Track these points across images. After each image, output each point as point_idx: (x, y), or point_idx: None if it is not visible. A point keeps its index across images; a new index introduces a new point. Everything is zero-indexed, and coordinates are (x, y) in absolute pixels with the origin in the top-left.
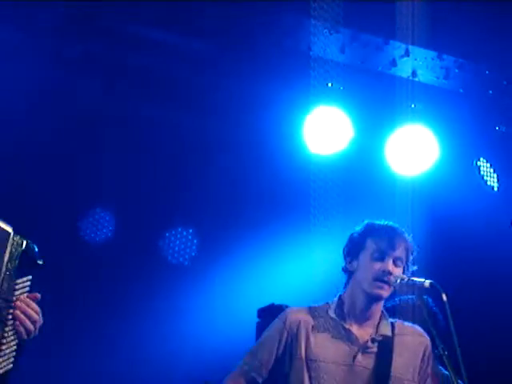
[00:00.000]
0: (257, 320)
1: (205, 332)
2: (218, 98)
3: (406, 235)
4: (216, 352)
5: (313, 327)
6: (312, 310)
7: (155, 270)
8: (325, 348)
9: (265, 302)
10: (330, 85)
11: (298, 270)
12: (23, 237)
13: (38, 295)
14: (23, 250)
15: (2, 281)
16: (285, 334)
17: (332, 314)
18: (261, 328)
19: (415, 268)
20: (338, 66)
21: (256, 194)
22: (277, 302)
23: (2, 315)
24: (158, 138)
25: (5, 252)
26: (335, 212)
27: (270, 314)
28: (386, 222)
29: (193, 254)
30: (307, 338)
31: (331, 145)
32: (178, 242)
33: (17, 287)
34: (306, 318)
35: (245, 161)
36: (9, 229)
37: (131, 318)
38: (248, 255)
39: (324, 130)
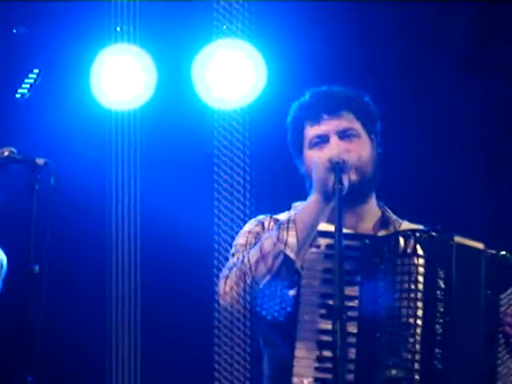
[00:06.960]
0: None
1: None
2: None
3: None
4: None
5: None
6: None
7: None
8: None
9: None
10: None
11: None
12: (492, 249)
13: None
14: (498, 263)
15: (485, 302)
16: None
17: None
18: None
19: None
20: None
21: None
22: None
23: (493, 336)
24: None
25: (480, 270)
26: None
27: None
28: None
29: None
30: None
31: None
32: None
33: (502, 303)
34: None
35: None
36: (480, 245)
37: None
38: None
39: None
